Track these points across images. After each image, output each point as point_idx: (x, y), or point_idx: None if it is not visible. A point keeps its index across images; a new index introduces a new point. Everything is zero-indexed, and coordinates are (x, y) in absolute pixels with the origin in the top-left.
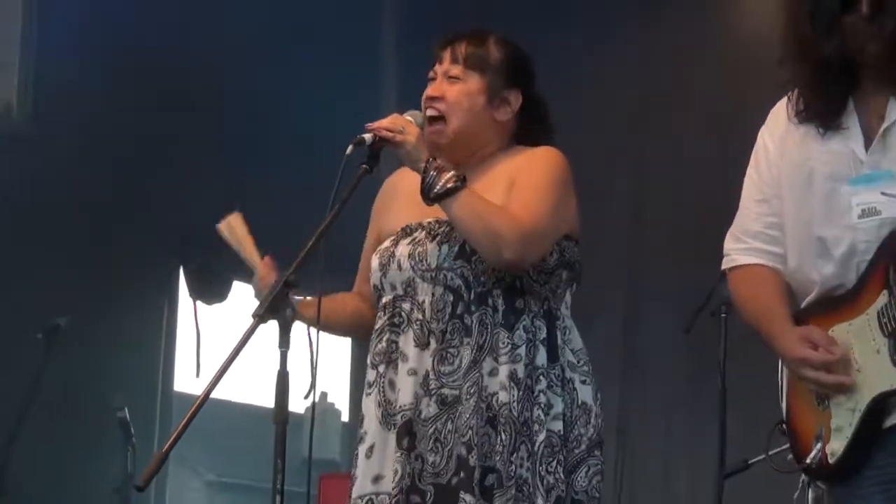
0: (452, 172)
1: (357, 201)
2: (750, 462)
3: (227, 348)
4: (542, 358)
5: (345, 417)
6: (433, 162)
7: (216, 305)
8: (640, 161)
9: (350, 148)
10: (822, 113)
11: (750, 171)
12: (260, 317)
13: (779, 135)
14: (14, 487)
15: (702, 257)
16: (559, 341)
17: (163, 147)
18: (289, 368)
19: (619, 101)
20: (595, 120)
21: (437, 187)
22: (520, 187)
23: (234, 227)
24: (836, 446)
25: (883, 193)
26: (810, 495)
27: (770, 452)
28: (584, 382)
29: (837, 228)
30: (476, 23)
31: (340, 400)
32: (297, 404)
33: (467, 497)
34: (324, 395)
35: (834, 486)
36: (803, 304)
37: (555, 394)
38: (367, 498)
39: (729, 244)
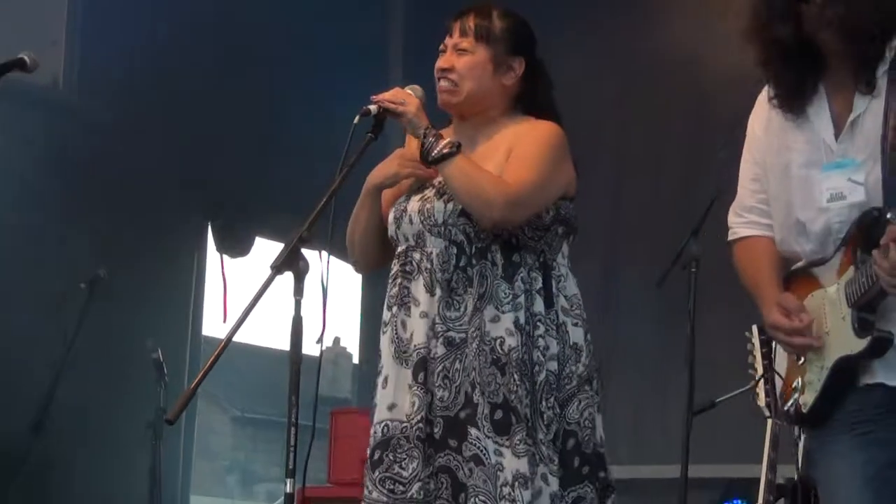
0: (448, 140)
1: (363, 166)
2: (716, 401)
3: (249, 297)
4: (539, 306)
5: (356, 360)
6: (431, 130)
7: (239, 259)
8: (623, 132)
9: (357, 118)
10: (788, 99)
11: (745, 154)
12: (277, 268)
13: (763, 122)
14: (58, 422)
15: (673, 220)
16: (553, 289)
17: (192, 119)
18: (302, 314)
19: (606, 74)
20: (583, 90)
21: (435, 152)
22: (514, 157)
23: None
24: (808, 398)
25: (849, 180)
26: (769, 429)
27: (733, 393)
28: (575, 325)
29: (812, 211)
30: None
31: (352, 344)
32: (311, 347)
33: (473, 431)
34: (336, 339)
35: (811, 430)
36: (792, 268)
37: (551, 337)
38: (383, 424)
39: (731, 219)
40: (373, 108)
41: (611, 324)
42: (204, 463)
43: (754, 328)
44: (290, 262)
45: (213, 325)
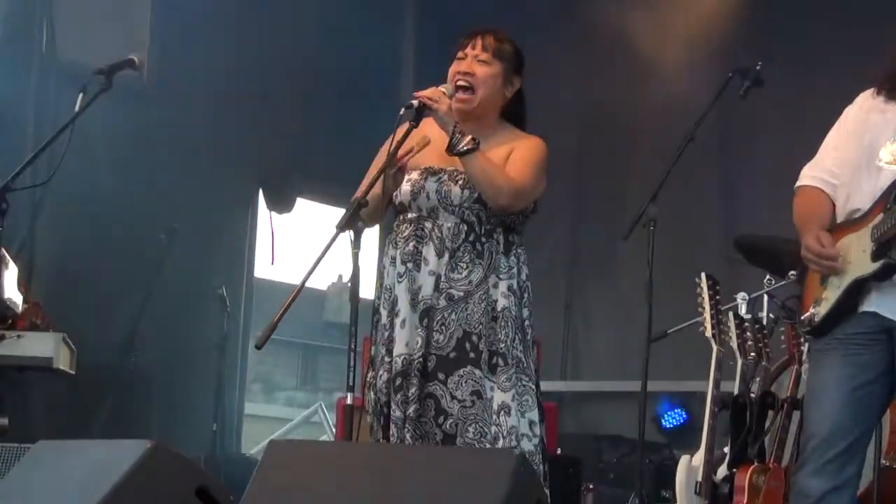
0: (471, 136)
1: None
2: (668, 331)
3: (292, 245)
4: (524, 275)
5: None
6: (458, 126)
7: (284, 215)
8: (587, 105)
9: (403, 110)
10: (887, 91)
11: (833, 130)
12: (341, 228)
13: (857, 108)
14: (144, 344)
15: (635, 184)
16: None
17: (248, 106)
18: (359, 265)
19: (569, 54)
20: (549, 68)
21: (461, 146)
22: (515, 159)
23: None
24: (822, 310)
25: None
26: (714, 355)
27: (681, 325)
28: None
29: (872, 170)
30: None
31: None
32: (320, 282)
33: (467, 369)
34: (340, 276)
35: (814, 338)
36: (838, 221)
37: (529, 300)
38: (403, 357)
39: (805, 171)
40: (415, 102)
41: (582, 268)
42: None
43: (703, 275)
44: (351, 223)
45: (263, 268)
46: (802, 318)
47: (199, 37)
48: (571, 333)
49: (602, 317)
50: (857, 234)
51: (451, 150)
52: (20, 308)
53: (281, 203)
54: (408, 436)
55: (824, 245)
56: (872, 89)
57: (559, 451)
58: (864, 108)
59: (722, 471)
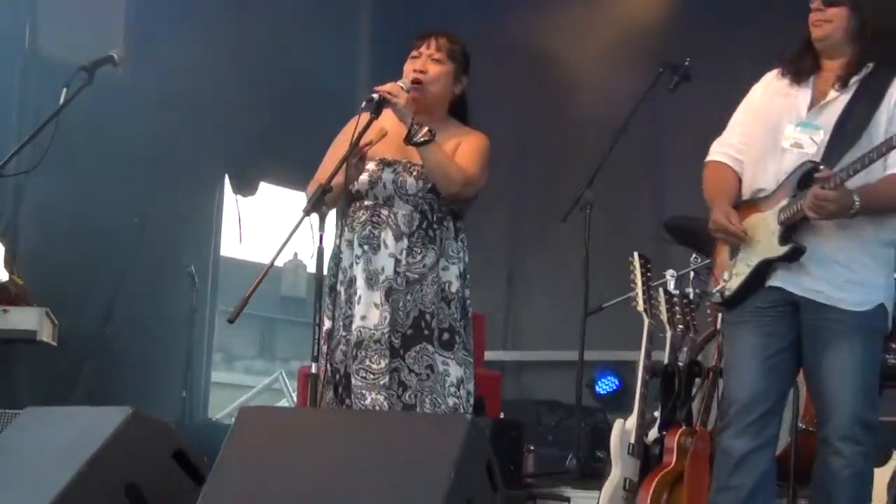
0: (427, 128)
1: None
2: (603, 306)
3: (256, 226)
4: (467, 258)
5: (310, 270)
6: (416, 119)
7: (249, 198)
8: (528, 98)
9: (364, 103)
10: (796, 76)
11: (740, 108)
12: (307, 212)
13: (763, 88)
14: (119, 317)
15: (573, 171)
16: None
17: (214, 98)
18: (323, 246)
19: (519, 44)
20: (493, 59)
21: (418, 137)
22: (463, 151)
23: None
24: (733, 284)
25: (810, 138)
26: (645, 327)
27: (615, 300)
28: None
29: (777, 153)
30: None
31: (306, 258)
32: (278, 260)
33: (421, 346)
34: (295, 254)
35: (727, 311)
36: (743, 198)
37: (469, 282)
38: (357, 329)
39: (713, 146)
40: (375, 96)
41: (523, 247)
42: None
43: (635, 254)
44: (316, 208)
45: (229, 248)
46: (714, 290)
47: (170, 32)
48: (513, 307)
49: (542, 291)
50: (764, 214)
51: (409, 140)
52: (6, 281)
53: (245, 187)
54: (367, 402)
55: (732, 222)
56: (778, 70)
57: (502, 416)
58: (770, 90)
59: (653, 433)
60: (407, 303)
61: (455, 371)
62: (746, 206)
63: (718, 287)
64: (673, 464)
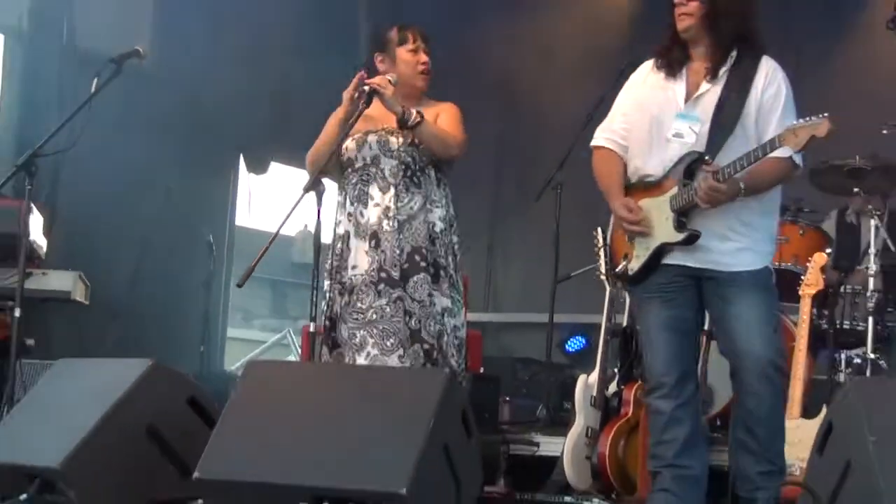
0: (416, 111)
1: None
2: (571, 274)
3: (266, 199)
4: (452, 209)
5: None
6: (406, 106)
7: (261, 175)
8: (506, 95)
9: (356, 94)
10: (669, 68)
11: (621, 94)
12: (306, 190)
13: (643, 77)
14: (145, 281)
15: (548, 156)
16: None
17: (231, 87)
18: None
19: (492, 42)
20: (472, 65)
21: (411, 121)
22: (446, 121)
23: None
24: (635, 265)
25: (690, 128)
26: (607, 294)
27: (581, 270)
28: None
29: (660, 142)
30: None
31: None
32: (289, 230)
33: (415, 278)
34: (305, 224)
35: (632, 287)
36: (631, 181)
37: (457, 230)
38: (349, 276)
39: (598, 133)
40: (367, 89)
41: (501, 222)
42: None
43: (598, 229)
44: (314, 186)
45: (242, 219)
46: (617, 270)
47: (192, 27)
48: (493, 274)
49: (519, 261)
50: (656, 200)
51: (402, 125)
52: (45, 250)
53: (258, 166)
54: (388, 341)
55: (632, 211)
56: (653, 61)
57: (482, 370)
58: (648, 82)
59: (612, 387)
60: (400, 240)
61: (440, 301)
62: (637, 189)
63: (621, 267)
64: (630, 414)
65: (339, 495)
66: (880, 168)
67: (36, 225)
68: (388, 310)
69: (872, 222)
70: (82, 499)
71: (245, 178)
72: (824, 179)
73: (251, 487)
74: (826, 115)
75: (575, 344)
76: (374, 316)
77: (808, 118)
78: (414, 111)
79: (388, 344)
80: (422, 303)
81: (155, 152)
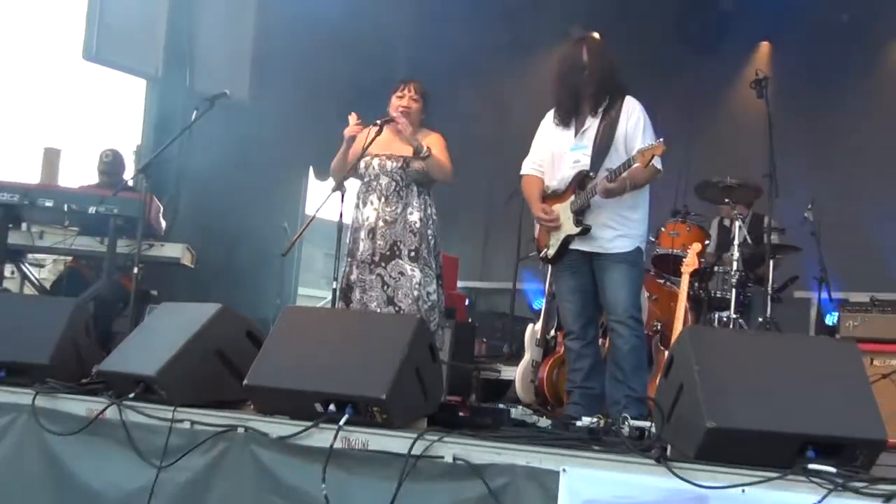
0: (427, 146)
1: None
2: (529, 255)
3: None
4: (430, 211)
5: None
6: (420, 141)
7: (324, 182)
8: (491, 122)
9: (380, 120)
10: (564, 119)
11: (536, 137)
12: (333, 191)
13: (547, 126)
14: (238, 253)
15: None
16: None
17: (308, 111)
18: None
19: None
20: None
21: (423, 152)
22: (437, 152)
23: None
24: (551, 251)
25: (584, 154)
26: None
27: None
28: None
29: (564, 167)
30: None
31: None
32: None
33: (397, 260)
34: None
35: (551, 265)
36: (547, 193)
37: (435, 226)
38: (358, 256)
39: (525, 163)
40: (379, 121)
41: (492, 219)
42: None
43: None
44: (338, 188)
45: (309, 210)
46: (540, 255)
47: (279, 72)
48: (485, 252)
49: (504, 242)
50: (562, 204)
51: (417, 156)
52: (164, 228)
53: (322, 174)
54: (372, 304)
55: (547, 214)
56: (553, 114)
57: (469, 320)
58: (549, 128)
59: (551, 333)
60: (385, 234)
61: (416, 275)
62: (549, 198)
63: (542, 252)
64: (561, 352)
65: (341, 399)
66: (744, 186)
67: (156, 211)
68: (373, 282)
69: (737, 223)
70: (170, 397)
71: (312, 183)
72: (705, 192)
73: (282, 392)
74: (661, 139)
75: (539, 303)
76: (367, 285)
77: (653, 143)
78: (426, 146)
79: (373, 305)
80: (396, 278)
81: (248, 163)
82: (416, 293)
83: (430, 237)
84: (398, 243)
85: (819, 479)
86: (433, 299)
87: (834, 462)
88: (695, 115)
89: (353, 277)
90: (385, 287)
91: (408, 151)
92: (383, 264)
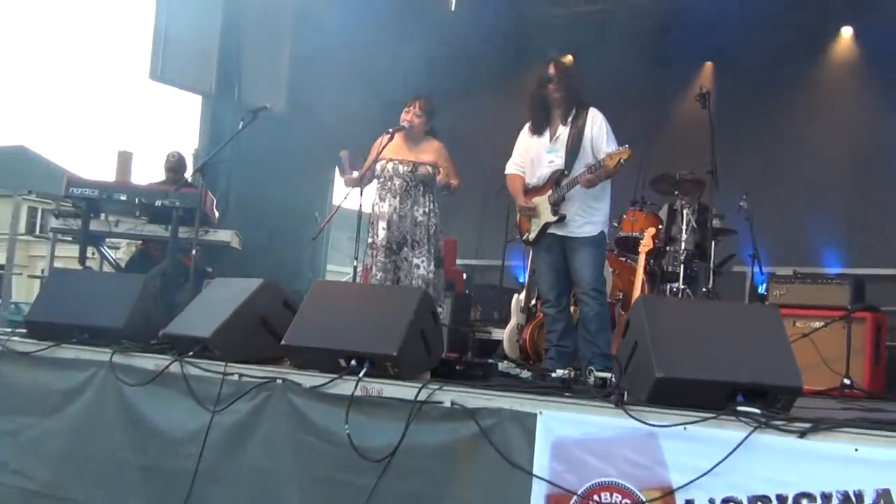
0: (453, 183)
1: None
2: (514, 238)
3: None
4: (434, 206)
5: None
6: (449, 181)
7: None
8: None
9: (391, 129)
10: (538, 128)
11: (517, 142)
12: (353, 187)
13: (525, 135)
14: (278, 238)
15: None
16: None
17: (336, 121)
18: (361, 202)
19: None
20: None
21: (450, 189)
22: (446, 165)
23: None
24: (532, 235)
25: (558, 156)
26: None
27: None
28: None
29: (542, 167)
30: None
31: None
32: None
33: (405, 249)
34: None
35: (532, 247)
36: (528, 188)
37: (437, 219)
38: (379, 241)
39: (508, 164)
40: (390, 130)
41: (487, 209)
42: None
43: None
44: (358, 184)
45: (336, 200)
46: (522, 238)
47: (313, 87)
48: (482, 234)
49: (497, 227)
50: (542, 197)
51: (444, 190)
52: (216, 217)
53: (344, 169)
54: (379, 277)
55: (529, 205)
56: (529, 126)
57: (467, 291)
58: (526, 136)
59: (533, 301)
60: (400, 227)
61: (418, 260)
62: (530, 192)
63: (524, 236)
64: (541, 317)
65: (360, 355)
66: (692, 180)
67: (210, 203)
68: (388, 265)
69: (686, 211)
70: (222, 354)
71: (338, 179)
72: (659, 185)
73: (313, 350)
74: (627, 145)
75: (523, 277)
76: (383, 268)
77: (619, 148)
78: (453, 183)
79: (387, 282)
80: (401, 264)
81: (285, 163)
82: (420, 272)
83: (431, 228)
84: (407, 235)
85: (747, 418)
86: (430, 278)
87: (759, 405)
88: (651, 120)
89: (373, 260)
90: (397, 270)
91: (415, 156)
92: (396, 251)
